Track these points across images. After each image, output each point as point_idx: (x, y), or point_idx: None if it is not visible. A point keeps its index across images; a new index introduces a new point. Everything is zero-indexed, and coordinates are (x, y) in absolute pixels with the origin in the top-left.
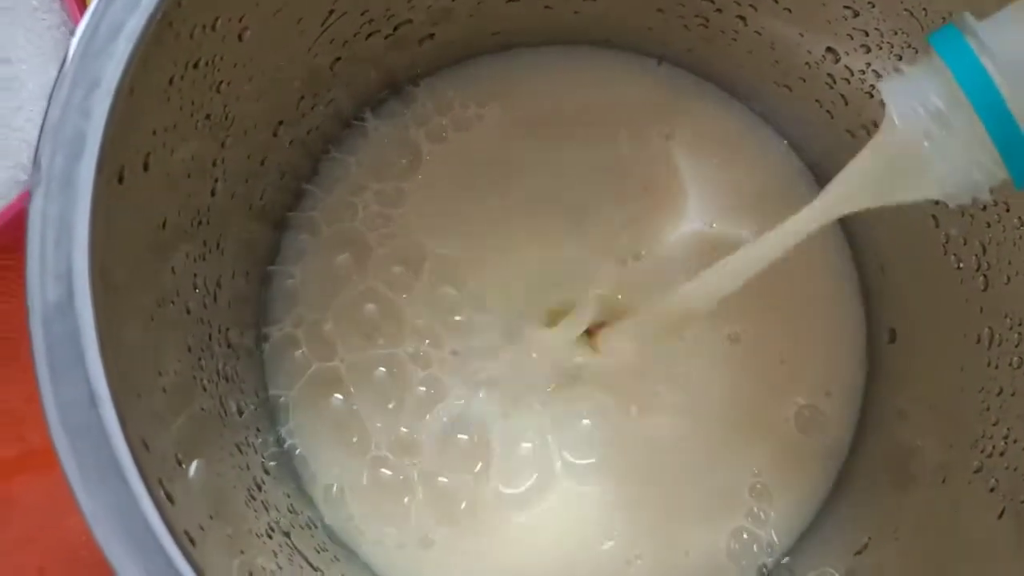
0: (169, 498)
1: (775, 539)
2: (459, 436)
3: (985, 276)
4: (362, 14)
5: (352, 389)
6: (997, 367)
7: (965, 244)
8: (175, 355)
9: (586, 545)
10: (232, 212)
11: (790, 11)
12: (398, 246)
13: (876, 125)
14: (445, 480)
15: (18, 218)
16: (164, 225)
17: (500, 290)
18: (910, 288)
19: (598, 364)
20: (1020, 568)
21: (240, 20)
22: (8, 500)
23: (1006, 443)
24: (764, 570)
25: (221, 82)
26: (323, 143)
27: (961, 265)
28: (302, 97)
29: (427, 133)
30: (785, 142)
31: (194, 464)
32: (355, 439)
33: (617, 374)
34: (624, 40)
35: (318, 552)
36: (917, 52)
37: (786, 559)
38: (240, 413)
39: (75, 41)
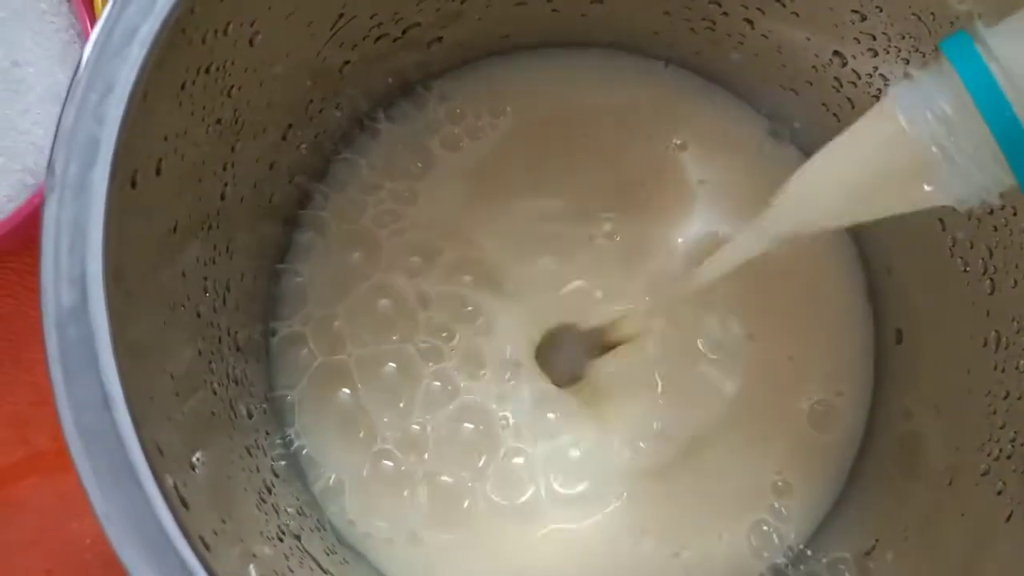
0: (184, 503)
1: (793, 534)
2: (465, 425)
3: (992, 280)
4: (371, 17)
5: (360, 384)
6: (1004, 371)
7: (972, 247)
8: (186, 358)
9: (607, 548)
10: (242, 215)
11: (797, 15)
12: (408, 245)
13: None
14: (448, 479)
15: (26, 222)
16: (175, 229)
17: (512, 291)
18: (917, 290)
19: (612, 363)
20: None
21: (251, 25)
22: (14, 503)
23: (1013, 446)
24: (789, 554)
25: (232, 86)
26: (334, 144)
27: (968, 268)
28: (311, 101)
29: (439, 136)
30: (793, 145)
31: (206, 468)
32: (361, 433)
33: (632, 373)
34: (631, 43)
35: (328, 555)
36: (924, 56)
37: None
38: (250, 416)
39: (89, 45)
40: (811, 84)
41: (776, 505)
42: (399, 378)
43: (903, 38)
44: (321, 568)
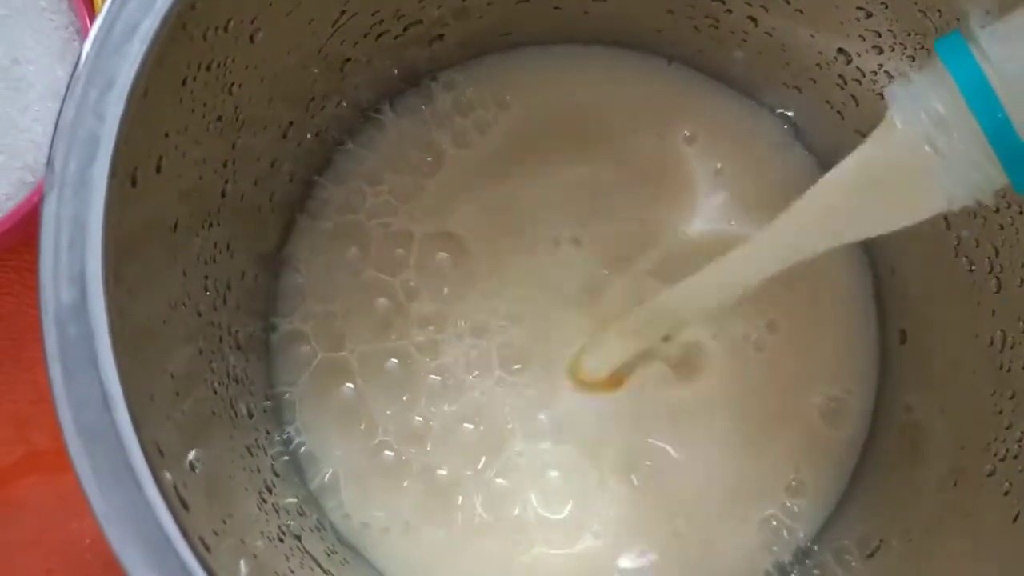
0: (183, 503)
1: (802, 528)
2: (465, 426)
3: (998, 278)
4: (373, 14)
5: (360, 379)
6: (1010, 370)
7: (977, 246)
8: (186, 357)
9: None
10: (243, 213)
11: (801, 12)
12: (409, 240)
13: None
14: (444, 472)
15: (26, 219)
16: (175, 227)
17: (517, 288)
18: (921, 290)
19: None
20: None
21: (252, 22)
22: (14, 502)
23: (1020, 447)
24: (796, 552)
25: (233, 84)
26: (337, 135)
27: (973, 267)
28: (312, 98)
29: (445, 127)
30: (798, 143)
31: (206, 468)
32: (363, 426)
33: (640, 372)
34: (634, 41)
35: (328, 555)
36: (930, 54)
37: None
38: (250, 415)
39: (89, 41)
40: (815, 82)
41: (788, 503)
42: (401, 372)
43: (908, 35)
44: (322, 568)
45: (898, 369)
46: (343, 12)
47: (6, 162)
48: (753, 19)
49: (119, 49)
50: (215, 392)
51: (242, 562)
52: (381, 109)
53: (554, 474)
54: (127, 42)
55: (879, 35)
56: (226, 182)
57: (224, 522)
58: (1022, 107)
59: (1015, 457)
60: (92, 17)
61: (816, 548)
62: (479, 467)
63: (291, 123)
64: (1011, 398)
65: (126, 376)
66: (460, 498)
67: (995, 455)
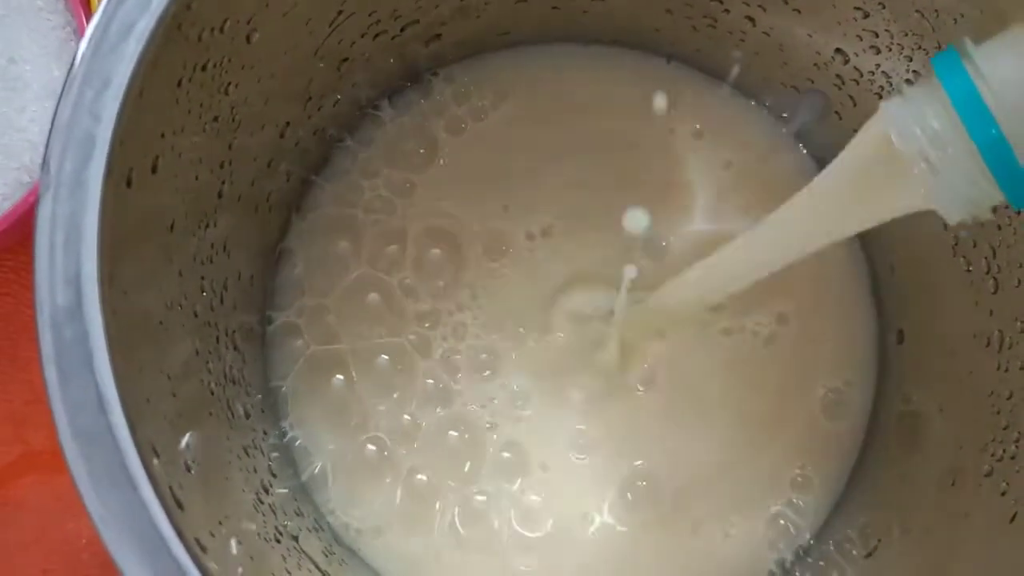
0: (179, 504)
1: (807, 523)
2: (450, 433)
3: (995, 279)
4: (369, 15)
5: (354, 373)
6: (1008, 371)
7: (975, 247)
8: (183, 358)
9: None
10: (239, 213)
11: (799, 12)
12: (409, 235)
13: None
14: (423, 477)
15: (22, 219)
16: (172, 228)
17: (513, 287)
18: (919, 290)
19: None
20: None
21: (248, 22)
22: (11, 502)
23: (1017, 447)
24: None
25: (229, 84)
26: (334, 132)
27: (971, 268)
28: (309, 98)
29: (444, 120)
30: (797, 142)
31: (202, 468)
32: (354, 421)
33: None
34: (633, 40)
35: (326, 556)
36: (927, 53)
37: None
38: (247, 416)
39: (85, 41)
40: (812, 82)
41: (795, 499)
42: (392, 368)
43: (906, 35)
44: (319, 569)
45: (897, 368)
46: (340, 12)
47: (3, 162)
48: (751, 19)
49: (115, 49)
50: (212, 393)
51: (238, 562)
52: (380, 106)
53: (545, 472)
54: (123, 42)
55: (876, 35)
56: (223, 182)
57: (220, 523)
58: (1016, 123)
59: (1012, 457)
60: (89, 17)
61: (817, 542)
62: (464, 471)
63: (288, 123)
64: (1008, 399)
65: (122, 378)
66: (438, 503)
67: (992, 455)
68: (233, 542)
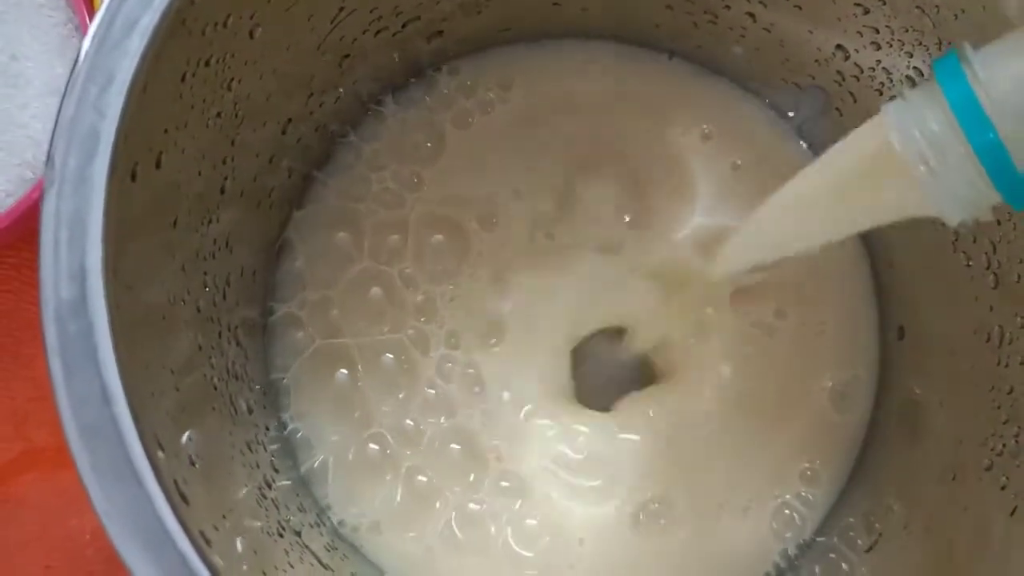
0: (183, 498)
1: (811, 515)
2: (452, 447)
3: (995, 274)
4: (371, 11)
5: (360, 367)
6: (1007, 366)
7: (975, 242)
8: (186, 353)
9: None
10: (241, 209)
11: (800, 8)
12: (408, 229)
13: None
14: (424, 479)
15: (24, 216)
16: (175, 224)
17: (515, 284)
18: (919, 285)
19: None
20: None
21: (251, 18)
22: (14, 499)
23: (1017, 442)
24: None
25: (232, 79)
26: (339, 127)
27: (971, 263)
28: (311, 94)
29: (446, 113)
30: (798, 138)
31: (206, 463)
32: (357, 414)
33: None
34: (633, 36)
35: (328, 551)
36: (928, 50)
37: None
38: (249, 411)
39: (89, 37)
40: (813, 78)
41: (803, 491)
42: (397, 366)
43: (906, 31)
44: (321, 564)
45: (898, 363)
46: (342, 9)
47: (5, 159)
48: (751, 15)
49: (119, 45)
50: (215, 388)
51: (242, 556)
52: (383, 101)
53: (547, 474)
54: (127, 38)
55: (877, 31)
56: (225, 178)
57: (224, 516)
58: (1013, 128)
59: (1012, 452)
60: (90, 13)
61: (820, 535)
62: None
63: (290, 119)
64: (1009, 393)
65: (126, 372)
66: (438, 503)
67: (992, 450)
68: (237, 536)
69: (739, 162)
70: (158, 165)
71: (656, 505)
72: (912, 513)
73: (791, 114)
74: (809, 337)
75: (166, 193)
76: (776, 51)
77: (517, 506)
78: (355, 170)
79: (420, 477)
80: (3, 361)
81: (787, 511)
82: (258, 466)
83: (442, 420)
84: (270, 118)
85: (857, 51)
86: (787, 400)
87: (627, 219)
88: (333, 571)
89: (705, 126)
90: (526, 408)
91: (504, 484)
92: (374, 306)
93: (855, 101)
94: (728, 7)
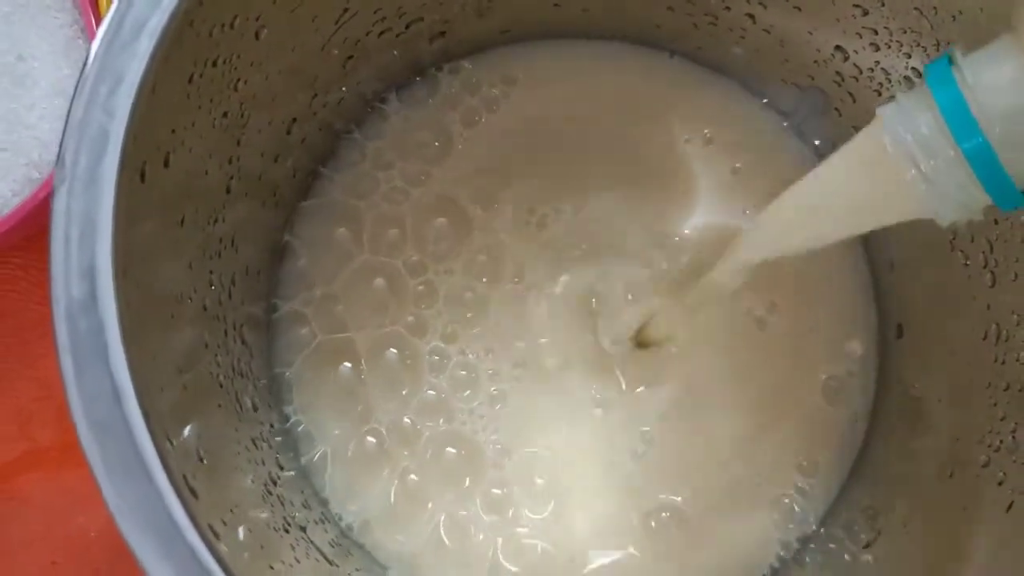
0: (193, 492)
1: (812, 510)
2: (448, 451)
3: (992, 273)
4: (375, 12)
5: (364, 363)
6: (1004, 363)
7: (972, 241)
8: (193, 351)
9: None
10: (247, 209)
11: (799, 9)
12: (410, 226)
13: None
14: (418, 477)
15: (30, 216)
16: (182, 223)
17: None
18: (918, 284)
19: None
20: None
21: (257, 19)
22: (19, 498)
23: (1014, 438)
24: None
25: (238, 80)
26: (343, 125)
27: (968, 262)
28: (315, 95)
29: (453, 112)
30: (797, 138)
31: (213, 459)
32: (359, 407)
33: (645, 363)
34: (633, 36)
35: (332, 547)
36: (926, 51)
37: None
38: (255, 408)
39: (98, 38)
40: (812, 78)
41: (801, 483)
42: (400, 362)
43: (905, 32)
44: (326, 559)
45: (897, 361)
46: (346, 10)
47: (11, 159)
48: (751, 16)
49: (128, 47)
50: (220, 385)
51: (249, 549)
52: (387, 99)
53: (543, 479)
54: (135, 40)
55: (876, 32)
56: (231, 178)
57: (231, 511)
58: (1000, 132)
59: (1009, 448)
60: (96, 15)
61: (820, 531)
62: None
63: (295, 119)
64: (1005, 390)
65: (136, 368)
66: (430, 504)
67: (989, 446)
68: (243, 530)
69: (739, 165)
70: (166, 164)
71: (664, 514)
72: (912, 509)
73: (790, 114)
74: (804, 333)
75: (174, 192)
76: (776, 52)
77: (509, 514)
78: (360, 167)
79: (411, 477)
80: (8, 362)
81: (787, 504)
82: (263, 462)
83: (440, 422)
84: (275, 118)
85: (856, 52)
86: (783, 395)
87: (628, 217)
88: (338, 566)
89: (706, 129)
90: (526, 408)
91: (496, 492)
92: (377, 298)
93: (854, 101)
94: (728, 8)
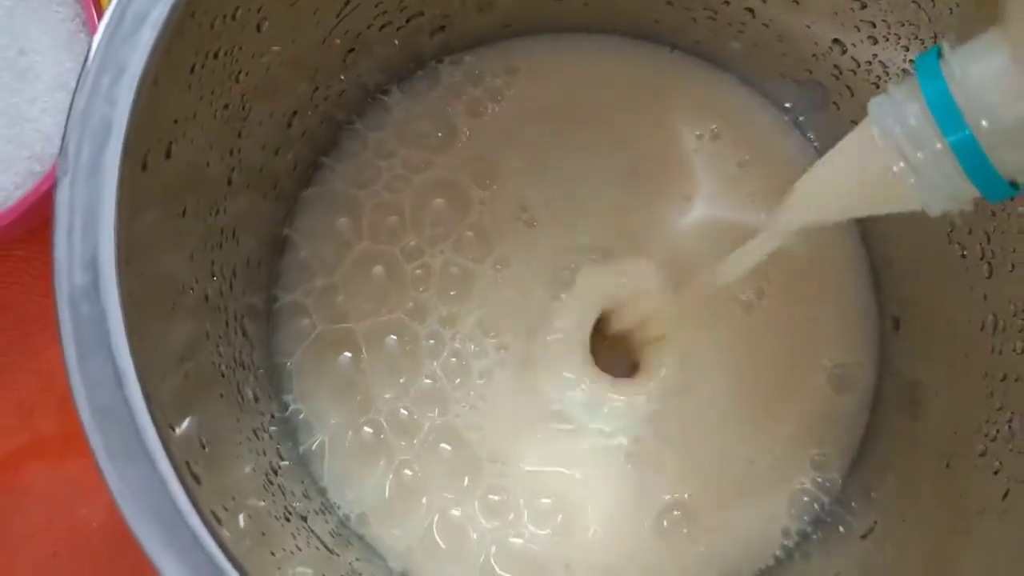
0: (195, 478)
1: (812, 503)
2: (443, 448)
3: (989, 264)
4: (376, 5)
5: (364, 352)
6: (1001, 353)
7: (970, 233)
8: (195, 341)
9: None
10: (248, 200)
11: (797, 3)
12: (411, 219)
13: None
14: (413, 471)
15: (32, 209)
16: (184, 213)
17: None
18: (914, 276)
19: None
20: None
21: (259, 11)
22: (20, 489)
23: (1010, 428)
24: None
25: (240, 71)
26: (345, 116)
27: (965, 253)
28: (316, 88)
29: (455, 103)
30: (797, 131)
31: (214, 447)
32: (358, 397)
33: (645, 360)
34: (633, 31)
35: (333, 536)
36: (924, 43)
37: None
38: (256, 399)
39: (100, 29)
40: (810, 72)
41: (816, 476)
42: (400, 351)
43: (902, 25)
44: (327, 548)
45: (895, 352)
46: (347, 3)
47: (14, 152)
48: (750, 10)
49: (130, 38)
50: (222, 375)
51: (250, 536)
52: (389, 91)
53: (544, 487)
54: (137, 31)
55: (874, 26)
56: (232, 169)
57: (233, 498)
58: (986, 125)
59: (1005, 438)
60: (98, 8)
61: (821, 521)
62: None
63: (295, 112)
64: (1002, 380)
65: (138, 356)
66: (424, 498)
67: (986, 436)
68: (244, 518)
69: (740, 155)
70: (168, 155)
71: (675, 512)
72: (911, 498)
73: (790, 108)
74: (804, 325)
75: (176, 183)
76: (774, 46)
77: (510, 517)
78: (362, 156)
79: (406, 472)
80: (10, 354)
81: (795, 493)
82: (264, 452)
83: (436, 413)
84: (276, 110)
85: (854, 45)
86: (789, 386)
87: (629, 209)
88: (338, 556)
89: (708, 122)
90: (525, 407)
91: (493, 497)
92: (377, 286)
93: (852, 95)
94: (727, 3)
